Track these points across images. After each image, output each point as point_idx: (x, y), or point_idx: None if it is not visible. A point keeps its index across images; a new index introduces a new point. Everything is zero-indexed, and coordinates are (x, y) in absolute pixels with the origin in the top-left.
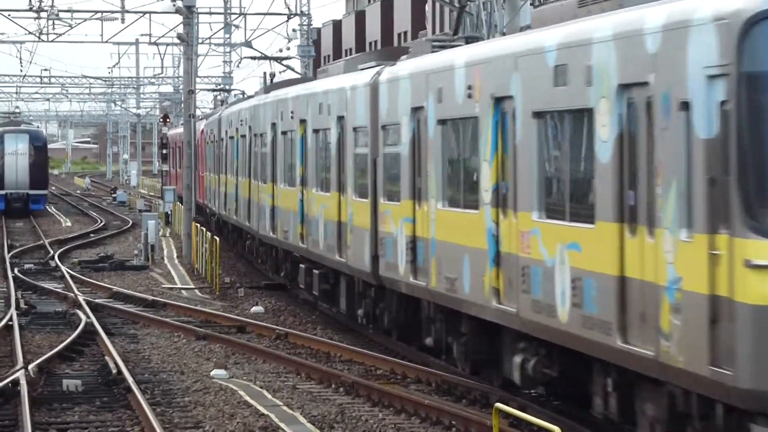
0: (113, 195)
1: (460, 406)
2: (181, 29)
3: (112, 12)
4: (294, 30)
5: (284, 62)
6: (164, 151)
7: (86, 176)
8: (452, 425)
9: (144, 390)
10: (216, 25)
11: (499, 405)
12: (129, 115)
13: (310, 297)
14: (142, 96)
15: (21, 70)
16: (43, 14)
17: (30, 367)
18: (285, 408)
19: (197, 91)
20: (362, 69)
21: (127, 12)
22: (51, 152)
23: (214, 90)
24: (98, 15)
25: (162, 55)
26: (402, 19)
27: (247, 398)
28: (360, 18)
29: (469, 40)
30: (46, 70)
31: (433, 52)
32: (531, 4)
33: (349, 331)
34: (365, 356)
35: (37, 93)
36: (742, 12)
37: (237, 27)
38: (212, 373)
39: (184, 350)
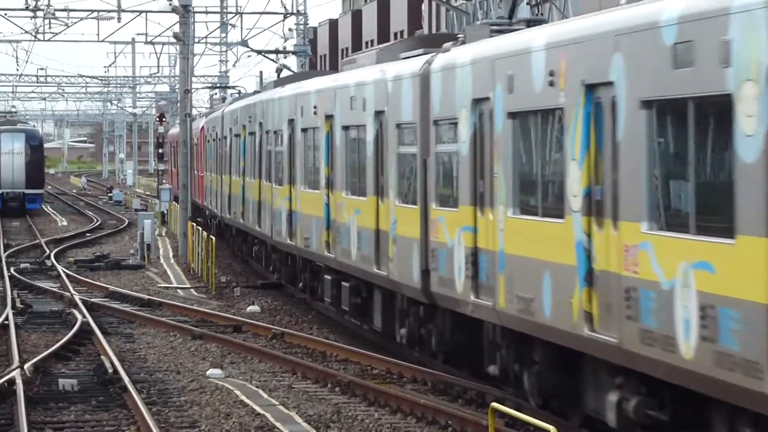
0: (109, 194)
1: (456, 405)
2: (177, 28)
3: (109, 11)
4: (290, 29)
5: (281, 61)
6: (160, 150)
7: (82, 176)
8: (448, 425)
9: (140, 389)
10: (212, 24)
11: (494, 405)
12: (125, 114)
13: (335, 311)
14: (138, 95)
15: (17, 69)
16: (40, 13)
17: (26, 366)
18: (281, 407)
19: (194, 90)
20: (405, 58)
21: (124, 11)
22: (47, 151)
23: (214, 87)
24: (94, 14)
25: (158, 55)
26: (398, 18)
27: (243, 398)
28: (356, 17)
29: (531, 23)
30: (42, 69)
31: (491, 37)
32: (528, 4)
33: (344, 331)
34: (361, 356)
35: (33, 92)
36: None
37: (233, 26)
38: (208, 372)
39: (180, 350)
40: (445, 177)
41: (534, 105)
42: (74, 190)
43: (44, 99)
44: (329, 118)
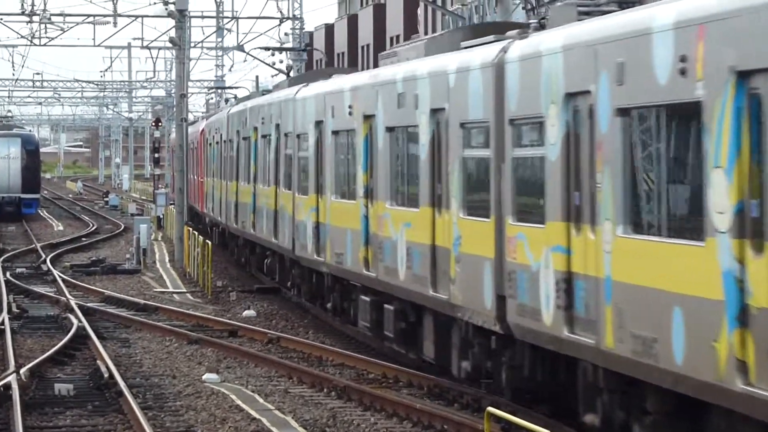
0: (105, 199)
1: (452, 410)
2: (173, 33)
3: (105, 16)
4: (286, 34)
5: (285, 63)
6: (157, 155)
7: (78, 180)
8: (444, 429)
9: (136, 394)
10: (208, 29)
11: (490, 409)
12: (121, 118)
13: (373, 337)
14: (134, 100)
15: (13, 74)
16: (36, 18)
17: (22, 371)
18: (277, 412)
19: (190, 94)
20: (469, 47)
21: (120, 16)
22: (43, 156)
23: (216, 88)
24: (90, 19)
25: (154, 59)
26: (394, 23)
27: (239, 402)
28: (352, 22)
29: (623, 5)
30: (38, 73)
31: (579, 20)
32: (523, 8)
33: (340, 335)
34: (357, 360)
35: (29, 97)
36: None
37: (229, 31)
38: (204, 377)
39: (176, 354)
40: (526, 186)
41: (656, 99)
42: (70, 195)
43: (40, 104)
44: (368, 118)
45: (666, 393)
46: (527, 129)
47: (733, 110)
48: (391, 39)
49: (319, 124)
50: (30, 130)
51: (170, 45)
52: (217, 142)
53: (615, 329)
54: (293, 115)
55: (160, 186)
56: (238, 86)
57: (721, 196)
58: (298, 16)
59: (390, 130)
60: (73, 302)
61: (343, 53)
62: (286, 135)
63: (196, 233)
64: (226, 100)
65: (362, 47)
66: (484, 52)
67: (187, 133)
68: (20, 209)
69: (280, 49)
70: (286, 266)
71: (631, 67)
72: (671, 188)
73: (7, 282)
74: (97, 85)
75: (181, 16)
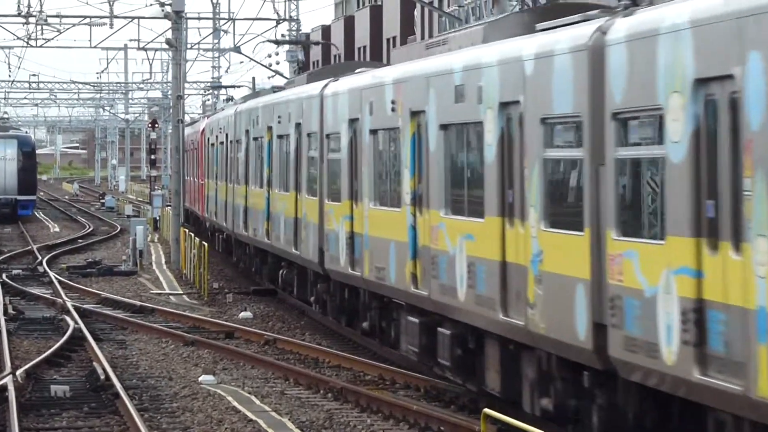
0: (102, 200)
1: (449, 411)
2: (169, 34)
3: (101, 17)
4: (283, 35)
5: (272, 68)
6: (153, 156)
7: (75, 182)
8: (441, 431)
9: (132, 396)
10: (205, 30)
11: (487, 411)
12: (117, 120)
13: (422, 364)
14: (130, 101)
15: (9, 76)
16: (32, 19)
17: (18, 372)
18: (273, 414)
19: (186, 96)
20: (545, 29)
21: (116, 17)
22: (39, 157)
23: (214, 87)
24: (87, 20)
25: (150, 61)
26: (391, 25)
27: (236, 404)
28: (349, 23)
29: None
30: (34, 75)
31: None
32: (520, 10)
33: (337, 337)
34: (354, 362)
35: (25, 98)
36: None
37: (226, 32)
38: (200, 378)
39: (172, 356)
40: (635, 194)
41: None
42: (66, 197)
43: (36, 105)
44: (416, 114)
45: None
46: (637, 124)
47: None
48: (388, 40)
49: (353, 122)
50: (26, 132)
51: (167, 46)
52: (221, 143)
53: None
54: (319, 113)
55: (156, 187)
56: (239, 85)
57: None
58: (295, 18)
59: (444, 127)
60: (69, 304)
61: (339, 55)
62: (309, 135)
63: (192, 234)
64: (228, 100)
65: (359, 49)
66: (572, 33)
67: (183, 134)
68: (16, 211)
69: (290, 42)
70: (309, 280)
71: None
72: None
73: (3, 284)
74: (93, 86)
75: (177, 18)
